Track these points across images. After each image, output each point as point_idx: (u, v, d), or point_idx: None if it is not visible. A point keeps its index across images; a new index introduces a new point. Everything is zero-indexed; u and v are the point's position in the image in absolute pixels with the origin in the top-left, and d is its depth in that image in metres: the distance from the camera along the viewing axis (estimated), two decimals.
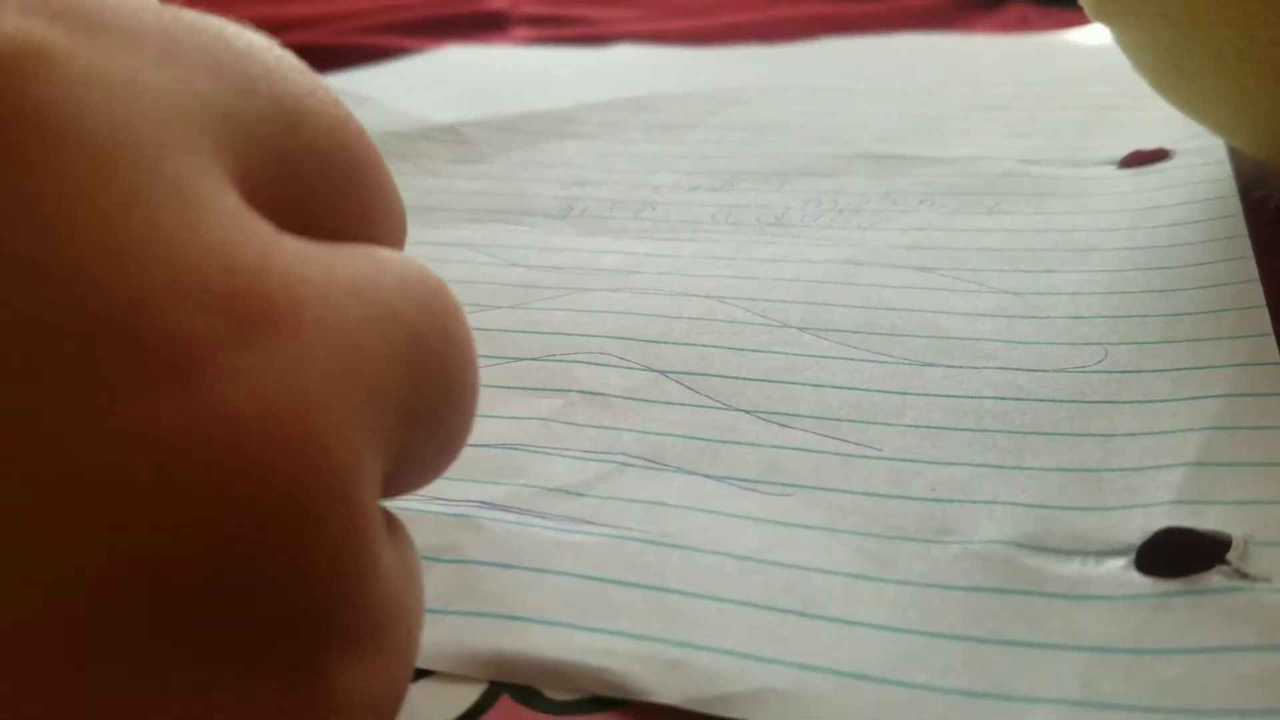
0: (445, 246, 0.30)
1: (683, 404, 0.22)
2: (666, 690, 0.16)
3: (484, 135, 0.36)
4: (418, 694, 0.17)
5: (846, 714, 0.15)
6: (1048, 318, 0.24)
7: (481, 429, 0.22)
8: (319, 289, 0.10)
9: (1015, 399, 0.21)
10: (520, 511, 0.20)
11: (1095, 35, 0.41)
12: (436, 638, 0.17)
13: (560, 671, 0.17)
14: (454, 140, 0.36)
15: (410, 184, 0.34)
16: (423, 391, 0.12)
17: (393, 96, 0.39)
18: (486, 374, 0.24)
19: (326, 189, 0.12)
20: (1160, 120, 0.32)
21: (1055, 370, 0.22)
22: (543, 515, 0.20)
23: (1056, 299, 0.24)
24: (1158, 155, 0.30)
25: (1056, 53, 0.39)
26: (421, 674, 0.17)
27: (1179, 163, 0.29)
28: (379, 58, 0.46)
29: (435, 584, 0.18)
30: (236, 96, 0.11)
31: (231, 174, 0.11)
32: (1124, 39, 0.27)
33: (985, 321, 0.24)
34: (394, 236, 0.14)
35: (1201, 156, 0.29)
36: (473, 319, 0.26)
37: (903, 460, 0.20)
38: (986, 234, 0.27)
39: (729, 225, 0.30)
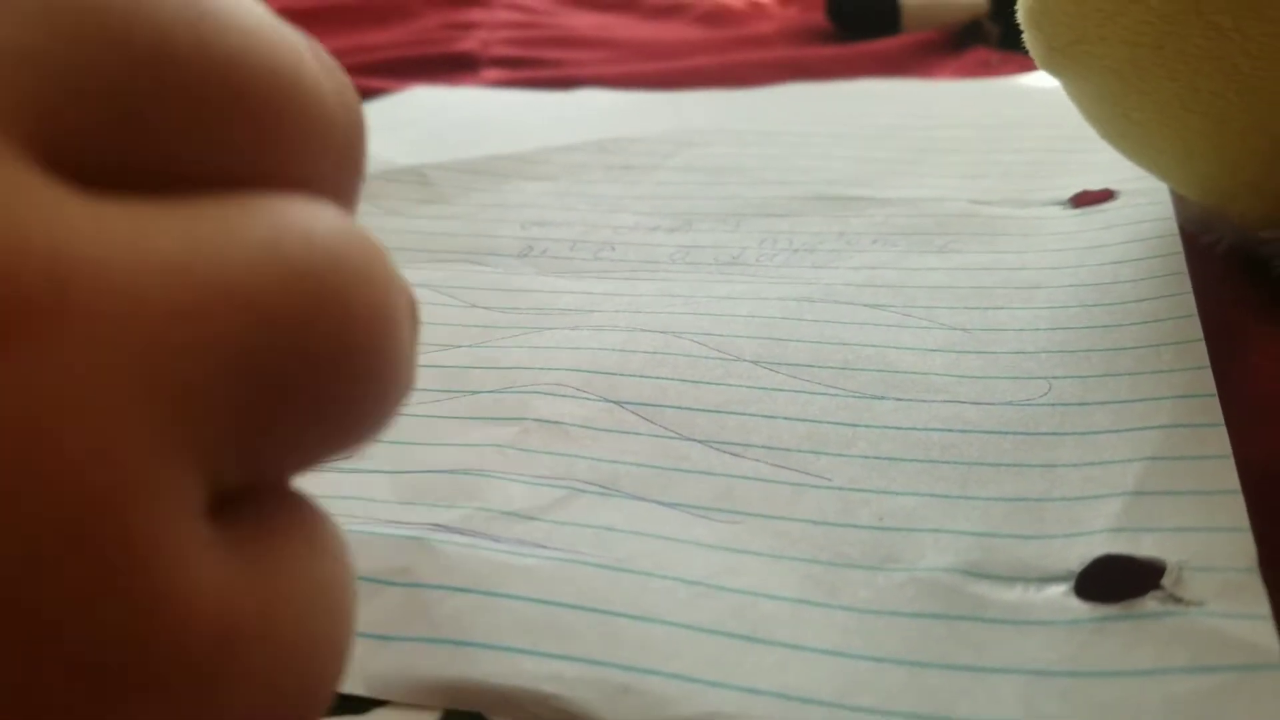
0: (417, 289, 0.30)
1: (637, 433, 0.23)
2: (614, 715, 0.16)
3: (447, 177, 0.36)
4: None
5: None
6: (994, 353, 0.24)
7: (438, 456, 0.23)
8: (103, 271, 0.08)
9: (962, 431, 0.22)
10: (474, 534, 0.20)
11: (1046, 79, 0.43)
12: (389, 665, 0.18)
13: (510, 698, 0.17)
14: (417, 182, 0.36)
15: (372, 225, 0.34)
16: (285, 376, 0.10)
17: None
18: (446, 406, 0.24)
19: (190, 125, 0.10)
20: (1106, 162, 0.32)
21: (1001, 403, 0.23)
22: (495, 538, 0.20)
23: (1003, 335, 0.25)
24: (1104, 196, 0.31)
25: (1008, 97, 0.40)
26: (375, 704, 0.17)
27: (1123, 203, 0.30)
28: None
29: (387, 608, 0.18)
30: (40, 29, 0.09)
31: (20, 128, 0.09)
32: (1072, 89, 0.28)
33: (935, 356, 0.24)
34: (322, 175, 0.11)
35: (1145, 197, 0.30)
36: (434, 357, 0.26)
37: (851, 490, 0.21)
38: (936, 272, 0.28)
39: (686, 265, 0.30)
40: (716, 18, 0.60)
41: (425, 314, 0.28)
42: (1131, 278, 0.26)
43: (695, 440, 0.22)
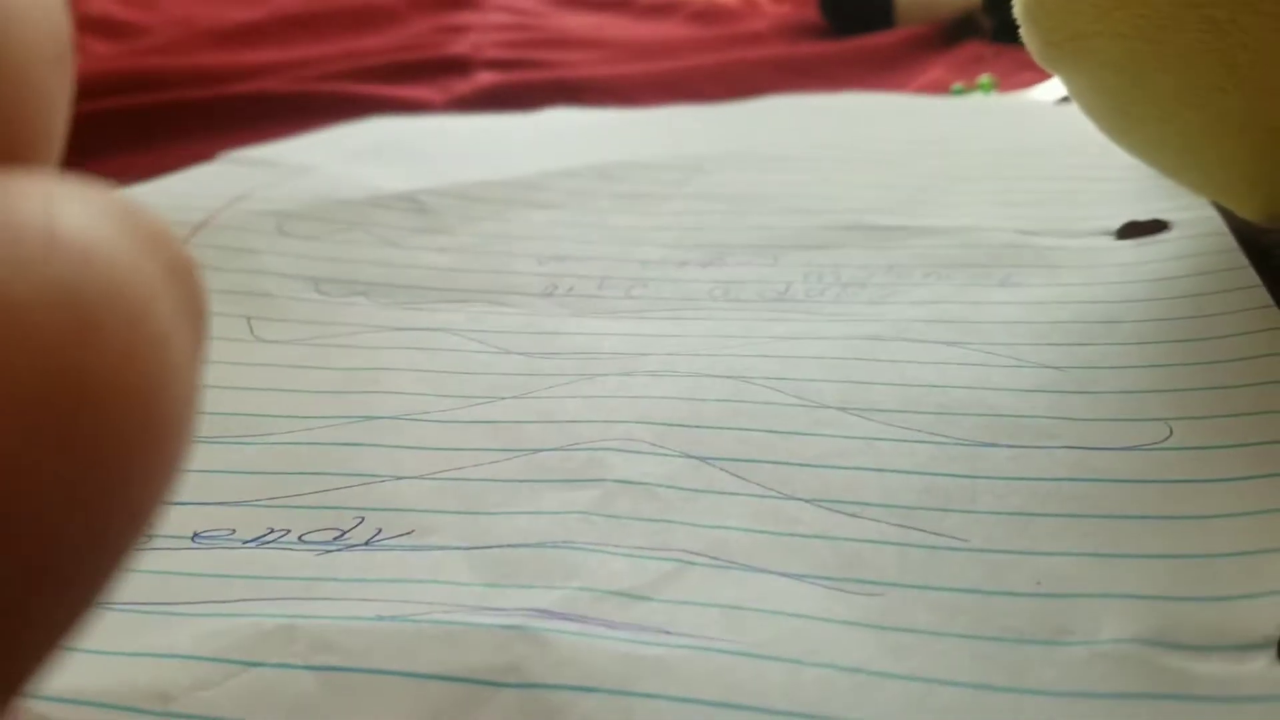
0: (429, 332, 0.27)
1: (734, 493, 0.20)
2: None
3: (444, 204, 0.33)
4: None
5: None
6: (1097, 393, 0.23)
7: (515, 527, 0.20)
8: None
9: (1092, 480, 0.20)
10: (583, 620, 0.17)
11: (1051, 93, 0.42)
12: None
13: None
14: (412, 209, 0.33)
15: (369, 255, 0.31)
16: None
17: (333, 163, 0.37)
18: (508, 468, 0.21)
19: None
20: (1145, 190, 0.31)
21: (1124, 448, 0.21)
22: (610, 624, 0.17)
23: (1099, 373, 0.23)
24: (1155, 227, 0.29)
25: (1018, 119, 0.39)
26: None
27: (1178, 234, 0.29)
28: (341, 106, 0.44)
29: (505, 716, 0.16)
30: None
31: None
32: (1070, 84, 0.27)
33: (1035, 398, 0.23)
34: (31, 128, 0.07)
35: (1200, 227, 0.29)
36: (478, 411, 0.24)
37: (993, 551, 0.19)
38: (1006, 306, 0.26)
39: (730, 302, 0.28)
40: (709, 16, 0.58)
41: (456, 362, 0.25)
42: (1215, 311, 0.25)
43: (802, 499, 0.20)
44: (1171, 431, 0.21)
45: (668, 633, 0.17)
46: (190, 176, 0.36)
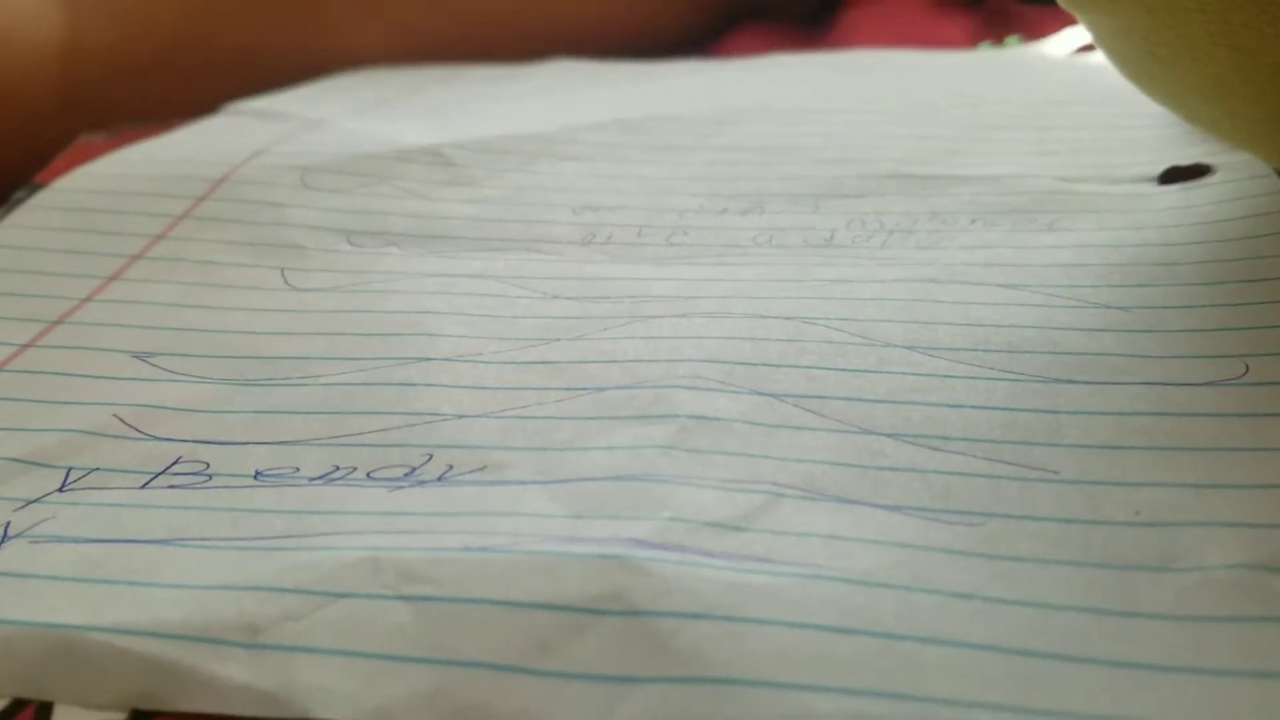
0: (468, 278, 0.26)
1: (813, 429, 0.20)
2: None
3: (468, 157, 0.33)
4: None
5: None
6: (1166, 332, 0.22)
7: (590, 461, 0.19)
8: None
9: (1176, 414, 0.20)
10: (682, 550, 0.17)
11: (1066, 45, 0.41)
12: (636, 714, 0.14)
13: None
14: (437, 162, 0.32)
15: (397, 207, 0.30)
16: None
17: (345, 117, 0.36)
18: (573, 405, 0.21)
19: None
20: (1178, 137, 0.31)
21: (1203, 384, 0.21)
22: (710, 553, 0.17)
23: (1165, 313, 0.23)
24: (1198, 171, 0.29)
25: (1039, 71, 0.39)
26: None
27: (1223, 178, 0.28)
28: None
29: (608, 643, 0.15)
30: None
31: None
32: (1096, 26, 0.27)
33: (1103, 337, 0.22)
34: None
35: (1243, 170, 0.29)
36: (534, 352, 0.23)
37: (1087, 483, 0.18)
38: (1058, 250, 0.26)
39: (776, 248, 0.27)
40: None
41: (500, 306, 0.24)
42: (1274, 252, 0.25)
43: (883, 434, 0.20)
44: (1248, 368, 0.21)
45: (770, 561, 0.17)
46: (199, 131, 0.35)
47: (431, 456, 0.20)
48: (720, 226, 0.29)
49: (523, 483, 0.19)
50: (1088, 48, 0.41)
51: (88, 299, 0.26)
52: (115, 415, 0.22)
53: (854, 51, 0.42)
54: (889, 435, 0.20)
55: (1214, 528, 0.17)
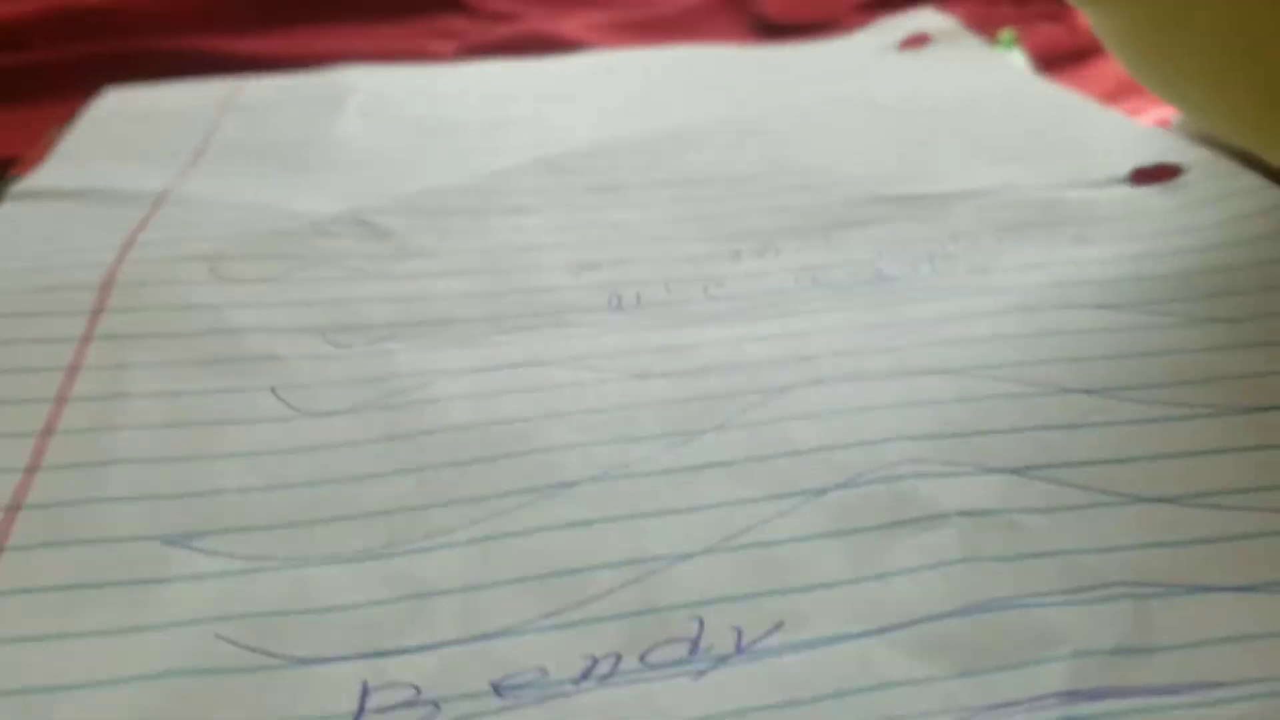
0: (524, 369, 0.22)
1: (1090, 506, 0.18)
2: None
3: (401, 222, 0.27)
4: None
5: None
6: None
7: (898, 594, 0.16)
8: None
9: None
10: (1123, 694, 0.14)
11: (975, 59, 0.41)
12: None
13: None
14: (369, 232, 0.27)
15: (362, 292, 0.25)
16: None
17: (192, 184, 0.29)
18: (798, 522, 0.18)
19: None
20: (1117, 139, 0.32)
21: None
22: (1151, 689, 0.14)
23: (1272, 322, 0.23)
24: (1170, 171, 0.29)
25: (962, 72, 0.38)
26: None
27: (1201, 175, 0.29)
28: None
29: None
30: None
31: None
32: (1102, 23, 0.27)
33: (1252, 354, 0.22)
34: None
35: (1216, 166, 0.29)
36: (685, 454, 0.19)
37: None
38: (1111, 265, 0.25)
39: (826, 290, 0.25)
40: None
41: (593, 399, 0.20)
42: None
43: (1169, 501, 0.18)
44: None
45: (1220, 684, 0.14)
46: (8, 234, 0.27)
47: (701, 620, 0.16)
48: (750, 273, 0.26)
49: (850, 637, 0.15)
50: (918, 40, 0.41)
51: (32, 468, 0.19)
52: (218, 636, 0.16)
53: (765, 48, 0.40)
54: (1176, 501, 0.18)
55: None
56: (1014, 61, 0.39)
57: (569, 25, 0.49)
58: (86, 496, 0.18)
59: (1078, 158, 0.31)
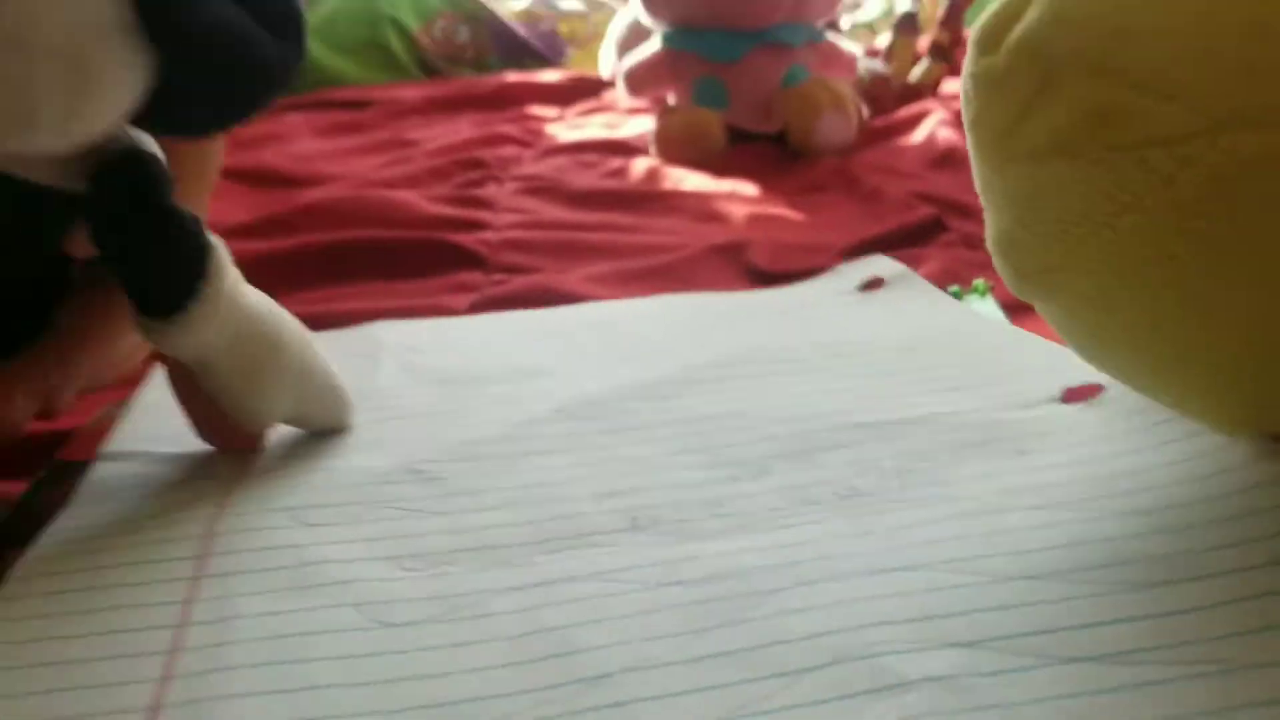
0: (562, 584, 0.27)
1: (1038, 668, 0.22)
2: None
3: (448, 468, 0.33)
4: None
5: None
6: (1190, 526, 0.27)
7: None
8: None
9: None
10: None
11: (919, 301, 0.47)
12: None
13: None
14: (420, 479, 0.32)
15: (421, 527, 0.30)
16: None
17: (288, 446, 0.35)
18: (786, 695, 0.22)
19: None
20: (1045, 364, 0.37)
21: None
22: None
23: (1184, 510, 0.27)
24: (1095, 389, 0.35)
25: (912, 311, 0.45)
26: None
27: (1117, 391, 0.34)
28: None
29: None
30: None
31: None
32: (1045, 312, 0.30)
33: (1165, 538, 0.26)
34: None
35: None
36: (692, 647, 0.23)
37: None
38: (1047, 471, 0.30)
39: (811, 505, 0.30)
40: None
41: (621, 606, 0.25)
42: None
43: (1087, 660, 0.22)
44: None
45: None
46: (94, 501, 0.32)
47: None
48: (746, 494, 0.31)
49: None
50: (874, 284, 0.47)
51: (166, 677, 0.23)
52: None
53: (720, 295, 0.47)
54: (1095, 660, 0.22)
55: None
56: (985, 308, 0.45)
57: (574, 277, 0.55)
58: (216, 694, 0.23)
59: (1015, 382, 0.36)
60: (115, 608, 0.26)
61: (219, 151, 0.36)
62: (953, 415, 0.34)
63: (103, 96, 0.25)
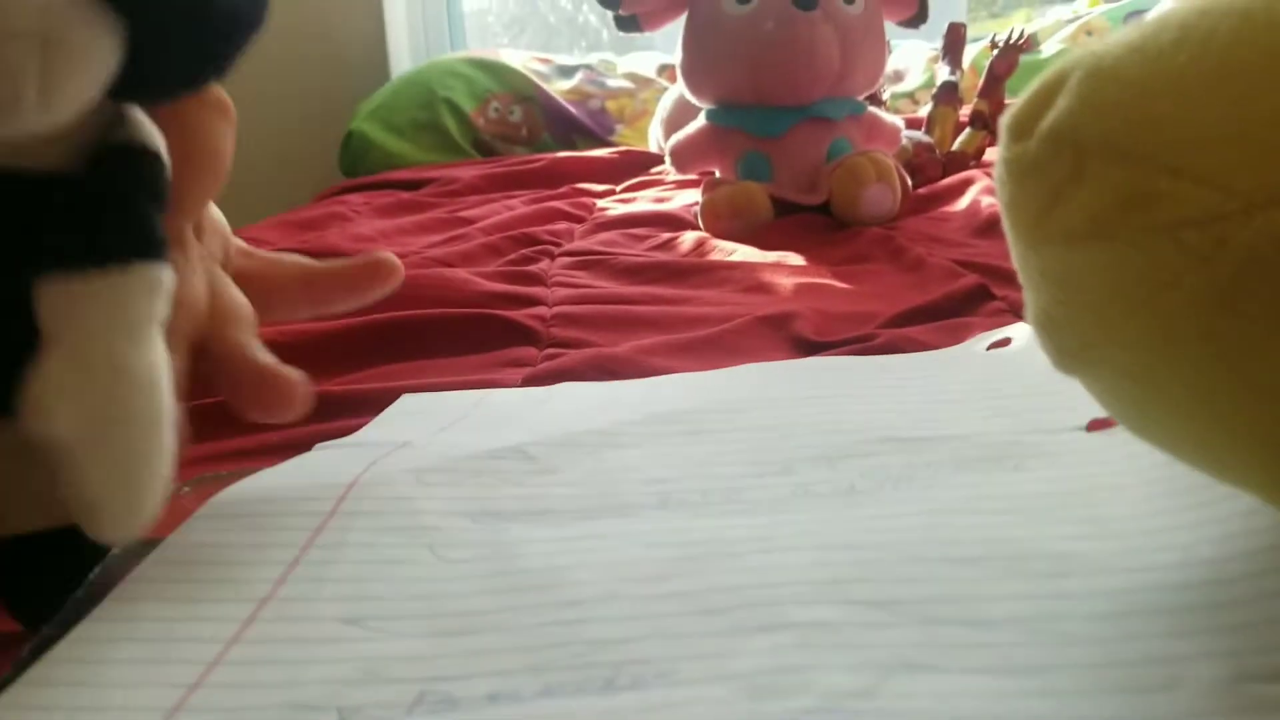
0: (585, 539, 0.34)
1: (896, 624, 0.27)
2: None
3: (547, 451, 0.40)
4: None
5: None
6: (1130, 535, 0.31)
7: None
8: None
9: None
10: None
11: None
12: None
13: None
14: (522, 457, 0.40)
15: (503, 493, 0.38)
16: None
17: (425, 436, 0.43)
18: (717, 621, 0.29)
19: None
20: (1064, 401, 0.40)
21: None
22: None
23: (1126, 520, 0.31)
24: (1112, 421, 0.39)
25: (956, 364, 0.49)
26: None
27: None
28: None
29: None
30: None
31: None
32: (1089, 387, 0.30)
33: (1091, 542, 0.30)
34: None
35: None
36: (663, 587, 0.30)
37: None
38: (1031, 484, 0.35)
39: (810, 498, 0.35)
40: None
41: (619, 559, 0.33)
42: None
43: (958, 623, 0.27)
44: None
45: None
46: (307, 461, 0.42)
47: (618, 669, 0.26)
48: (766, 487, 0.37)
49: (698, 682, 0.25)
50: (1002, 343, 0.51)
51: (282, 580, 0.32)
52: (356, 668, 0.27)
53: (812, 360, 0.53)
54: (963, 624, 0.27)
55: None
56: None
57: (625, 349, 0.57)
58: (310, 596, 0.31)
59: (1053, 411, 0.40)
60: (259, 526, 0.35)
61: (226, 146, 0.36)
62: (980, 435, 0.39)
63: (81, 70, 0.26)
